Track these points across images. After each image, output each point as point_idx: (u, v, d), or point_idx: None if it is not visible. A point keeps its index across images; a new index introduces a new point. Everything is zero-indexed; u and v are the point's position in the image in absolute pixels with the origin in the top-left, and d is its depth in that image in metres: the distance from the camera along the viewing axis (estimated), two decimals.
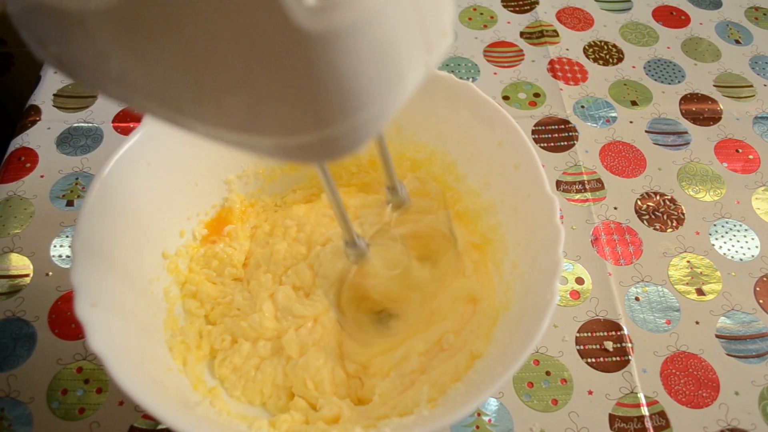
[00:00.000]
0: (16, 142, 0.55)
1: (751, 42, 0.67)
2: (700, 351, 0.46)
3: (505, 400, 0.43)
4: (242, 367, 0.41)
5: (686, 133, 0.59)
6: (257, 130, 0.20)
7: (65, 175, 0.53)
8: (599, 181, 0.55)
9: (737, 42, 0.67)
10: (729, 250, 0.51)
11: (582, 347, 0.45)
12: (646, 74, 0.63)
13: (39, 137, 0.56)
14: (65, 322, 0.45)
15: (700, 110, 0.60)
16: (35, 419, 0.41)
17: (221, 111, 0.20)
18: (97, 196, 0.35)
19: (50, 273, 0.48)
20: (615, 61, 0.64)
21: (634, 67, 0.64)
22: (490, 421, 0.42)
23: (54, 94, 0.59)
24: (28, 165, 0.54)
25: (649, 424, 0.42)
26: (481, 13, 0.68)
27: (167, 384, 0.35)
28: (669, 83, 0.62)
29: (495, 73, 0.63)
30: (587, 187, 0.54)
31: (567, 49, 0.65)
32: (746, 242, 0.51)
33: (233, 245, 0.45)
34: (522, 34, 0.66)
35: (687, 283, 0.49)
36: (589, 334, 0.46)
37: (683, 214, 0.53)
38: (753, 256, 0.51)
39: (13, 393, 0.42)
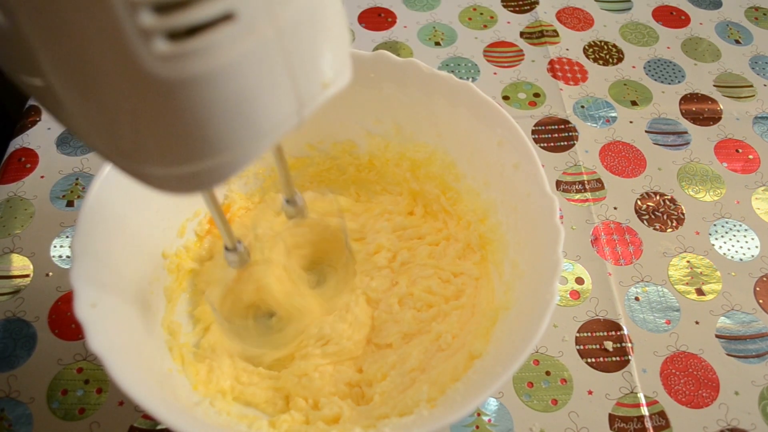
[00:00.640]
0: (16, 143, 0.55)
1: (751, 42, 0.67)
2: (700, 351, 0.46)
3: (504, 400, 0.43)
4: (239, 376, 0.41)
5: (686, 133, 0.58)
6: (143, 159, 0.21)
7: (65, 176, 0.53)
8: (599, 181, 0.55)
9: (737, 42, 0.67)
10: (729, 250, 0.51)
11: (582, 347, 0.45)
12: (646, 74, 0.63)
13: (39, 138, 0.56)
14: (65, 322, 0.45)
15: (700, 110, 0.60)
16: (35, 419, 0.41)
17: (111, 138, 0.21)
18: (97, 196, 0.35)
19: (50, 273, 0.48)
20: (615, 61, 0.64)
21: (634, 67, 0.64)
22: (489, 421, 0.42)
23: None
24: (29, 165, 0.54)
25: (649, 424, 0.42)
26: (481, 13, 0.68)
27: (167, 384, 0.35)
28: (669, 83, 0.62)
29: (495, 73, 0.63)
30: (587, 187, 0.54)
31: (567, 49, 0.65)
32: (746, 242, 0.51)
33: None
34: (522, 34, 0.67)
35: (687, 283, 0.49)
36: (589, 334, 0.46)
37: (683, 214, 0.53)
38: (753, 256, 0.51)
39: (14, 393, 0.42)
